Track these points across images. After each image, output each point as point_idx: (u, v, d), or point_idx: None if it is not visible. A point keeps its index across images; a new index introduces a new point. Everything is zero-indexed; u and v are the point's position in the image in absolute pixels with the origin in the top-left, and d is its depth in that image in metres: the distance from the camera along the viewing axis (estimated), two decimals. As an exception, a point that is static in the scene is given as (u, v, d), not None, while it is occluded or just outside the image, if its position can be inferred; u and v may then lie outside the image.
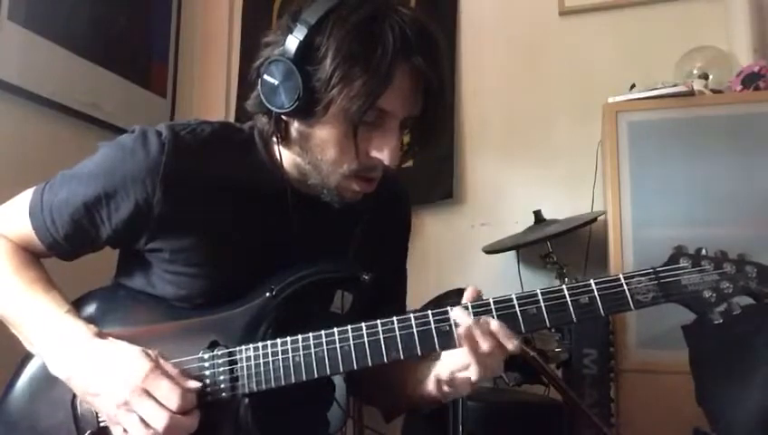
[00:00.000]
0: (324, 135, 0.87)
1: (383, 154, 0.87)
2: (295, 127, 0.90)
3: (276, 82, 0.85)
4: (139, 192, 0.89)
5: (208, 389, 0.86)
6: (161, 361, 0.84)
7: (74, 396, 0.90)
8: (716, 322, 0.78)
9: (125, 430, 0.82)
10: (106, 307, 0.97)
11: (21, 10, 1.96)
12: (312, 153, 0.89)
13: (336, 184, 0.90)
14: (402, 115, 0.86)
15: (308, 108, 0.84)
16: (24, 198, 0.98)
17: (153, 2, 2.59)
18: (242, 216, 0.94)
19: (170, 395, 0.81)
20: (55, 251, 0.97)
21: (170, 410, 0.80)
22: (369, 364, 0.83)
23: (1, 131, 1.90)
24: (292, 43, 0.83)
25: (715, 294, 0.79)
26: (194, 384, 0.84)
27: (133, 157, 0.90)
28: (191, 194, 0.91)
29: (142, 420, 0.80)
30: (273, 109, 0.87)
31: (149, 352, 0.84)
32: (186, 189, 0.90)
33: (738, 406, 1.29)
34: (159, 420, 0.79)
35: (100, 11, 2.29)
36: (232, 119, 2.62)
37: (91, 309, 0.96)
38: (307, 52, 0.83)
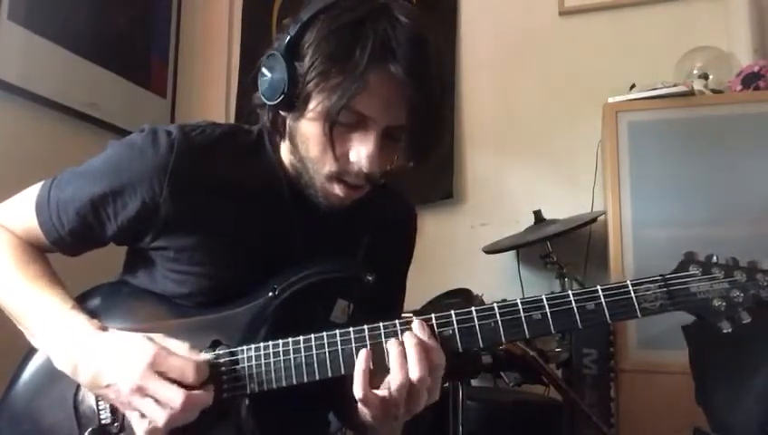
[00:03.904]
0: (307, 131, 0.87)
1: (360, 159, 0.86)
2: (288, 122, 0.91)
3: (269, 75, 0.88)
4: (146, 191, 0.89)
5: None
6: (166, 341, 0.84)
7: (76, 394, 0.90)
8: (725, 331, 0.76)
9: (142, 415, 0.81)
10: (109, 303, 0.97)
11: (21, 10, 1.96)
12: (298, 150, 0.90)
13: (320, 185, 0.90)
14: (384, 123, 0.85)
15: (291, 101, 0.86)
16: (31, 192, 0.98)
17: (153, 2, 2.58)
18: (248, 216, 0.94)
19: (182, 372, 0.81)
20: (60, 247, 0.97)
21: (184, 387, 0.80)
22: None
23: (1, 131, 1.90)
24: (285, 38, 0.86)
25: (724, 303, 0.76)
26: (204, 356, 0.85)
27: (142, 155, 0.90)
28: (198, 194, 0.91)
29: (158, 402, 0.80)
30: (264, 100, 0.89)
31: (152, 335, 0.85)
32: (193, 190, 0.90)
33: (738, 406, 1.29)
34: (175, 398, 0.79)
35: (100, 11, 2.29)
36: (232, 119, 2.61)
37: (94, 304, 0.96)
38: (295, 47, 0.85)
